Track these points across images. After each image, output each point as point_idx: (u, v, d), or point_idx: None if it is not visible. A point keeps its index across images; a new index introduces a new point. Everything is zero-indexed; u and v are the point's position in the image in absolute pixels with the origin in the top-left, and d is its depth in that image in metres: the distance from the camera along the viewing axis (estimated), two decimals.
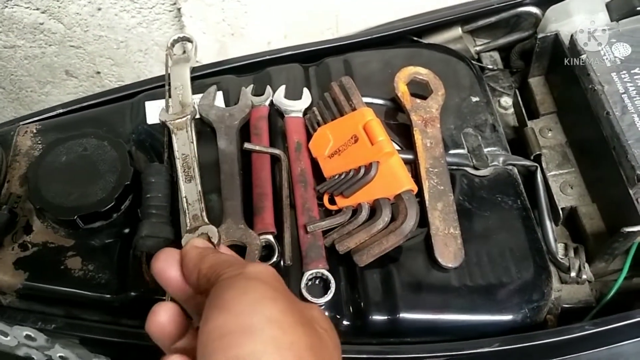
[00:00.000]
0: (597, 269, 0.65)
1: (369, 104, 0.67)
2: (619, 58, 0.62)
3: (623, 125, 0.57)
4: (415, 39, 0.80)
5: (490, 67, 0.80)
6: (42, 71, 1.30)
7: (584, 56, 0.63)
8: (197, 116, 0.66)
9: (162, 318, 0.41)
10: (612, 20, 0.67)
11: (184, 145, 0.57)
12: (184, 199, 0.53)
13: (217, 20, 1.17)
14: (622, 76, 0.60)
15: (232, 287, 0.36)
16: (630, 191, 0.57)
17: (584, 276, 0.62)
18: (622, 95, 0.59)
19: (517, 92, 0.74)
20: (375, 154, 0.58)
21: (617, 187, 0.58)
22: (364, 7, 1.03)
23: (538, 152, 0.66)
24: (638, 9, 0.66)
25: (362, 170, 0.58)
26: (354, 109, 0.62)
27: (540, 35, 0.69)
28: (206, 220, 0.51)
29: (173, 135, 0.58)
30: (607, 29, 0.64)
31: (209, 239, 0.48)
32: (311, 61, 0.75)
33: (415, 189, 0.59)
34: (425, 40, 0.81)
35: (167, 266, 0.42)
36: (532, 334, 0.56)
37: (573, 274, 0.62)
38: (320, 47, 0.76)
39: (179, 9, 1.15)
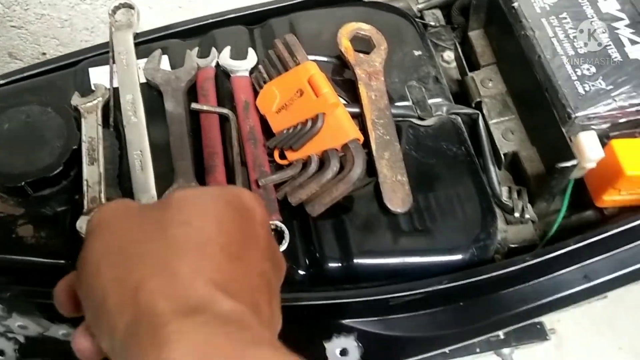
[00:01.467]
0: (540, 209, 0.68)
1: (314, 62, 0.68)
2: (548, 4, 0.64)
3: (554, 67, 0.60)
4: None
5: (432, 24, 0.82)
6: None
7: (516, 3, 0.65)
8: (143, 80, 0.66)
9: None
10: None
11: (92, 128, 0.59)
12: (85, 182, 0.54)
13: None
14: (551, 21, 0.63)
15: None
16: (563, 129, 0.60)
17: (527, 216, 0.65)
18: (552, 39, 0.62)
19: (458, 46, 0.76)
20: (321, 105, 0.59)
21: (552, 128, 0.61)
22: None
23: (478, 100, 0.68)
24: None
25: (309, 123, 0.60)
26: (298, 65, 0.63)
27: None
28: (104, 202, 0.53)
29: (83, 119, 0.60)
30: None
31: None
32: (256, 24, 0.76)
33: (361, 138, 0.60)
34: None
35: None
36: (478, 269, 0.59)
37: (517, 214, 0.65)
38: (264, 9, 0.76)
39: None
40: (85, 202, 0.54)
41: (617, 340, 1.38)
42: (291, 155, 0.61)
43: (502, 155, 0.67)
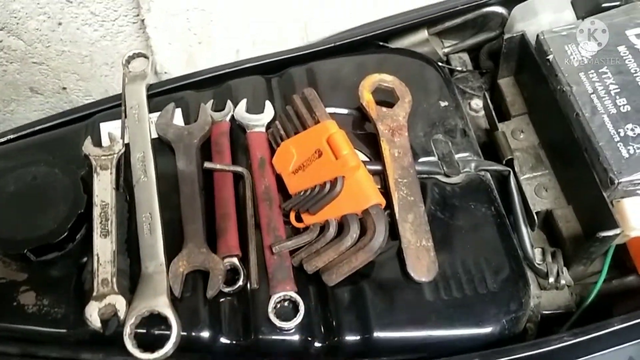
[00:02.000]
0: (576, 272, 0.63)
1: (334, 114, 0.65)
2: (586, 57, 0.60)
3: (593, 126, 0.56)
4: (381, 44, 0.78)
5: (459, 68, 0.78)
6: (5, 89, 1.26)
7: (550, 56, 0.61)
8: (155, 136, 0.63)
9: None
10: (577, 18, 0.66)
11: (105, 190, 0.55)
12: (96, 256, 0.51)
13: (183, 30, 1.13)
14: (590, 76, 0.59)
15: None
16: (604, 194, 0.55)
17: (563, 281, 0.60)
18: (591, 96, 0.57)
19: (487, 94, 0.72)
20: (340, 168, 0.55)
21: (591, 190, 0.57)
22: (333, 14, 1.01)
23: (510, 157, 0.64)
24: (603, 5, 0.64)
25: (328, 186, 0.56)
26: (317, 122, 0.60)
27: (506, 36, 0.67)
28: (115, 288, 0.50)
29: (95, 175, 0.56)
30: (573, 28, 0.62)
31: (115, 312, 0.47)
32: (275, 72, 0.73)
33: (383, 202, 0.56)
34: (392, 45, 0.78)
35: None
36: (510, 347, 0.54)
37: (551, 279, 0.60)
38: (284, 57, 0.73)
39: (142, 20, 1.12)
40: (95, 284, 0.50)
41: None
42: (308, 219, 0.57)
43: (535, 215, 0.62)
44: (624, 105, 0.56)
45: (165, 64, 1.22)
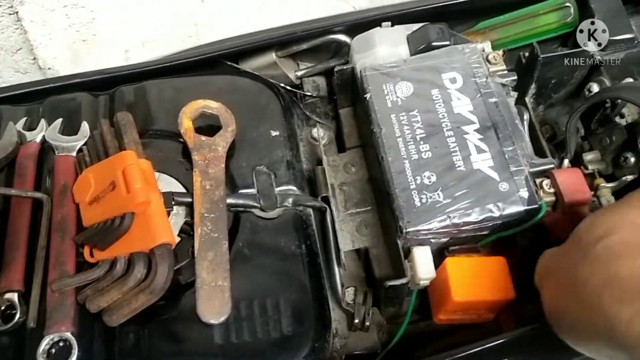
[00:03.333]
0: (389, 312, 0.63)
1: (160, 140, 0.63)
2: (400, 98, 0.59)
3: (394, 172, 0.55)
4: (229, 63, 0.75)
5: (308, 93, 0.77)
6: None
7: (368, 95, 0.60)
8: None
9: None
10: (411, 54, 0.65)
11: None
12: None
13: (64, 26, 1.09)
14: (401, 118, 0.58)
15: None
16: (398, 241, 0.54)
17: (367, 323, 0.60)
18: (398, 139, 0.57)
19: (330, 122, 0.71)
20: (130, 202, 0.53)
21: (392, 235, 0.56)
22: (223, 16, 0.99)
23: (324, 194, 0.63)
24: (434, 44, 0.63)
25: (117, 221, 0.54)
26: (122, 149, 0.57)
27: (337, 68, 0.66)
28: None
29: None
30: (394, 67, 0.61)
31: None
32: (108, 89, 0.69)
33: (174, 241, 0.55)
34: (242, 66, 0.76)
35: None
36: None
37: (357, 320, 0.60)
38: (118, 74, 0.70)
39: (17, 12, 1.06)
40: None
41: None
42: (98, 255, 0.55)
43: (342, 254, 0.61)
44: (426, 151, 0.56)
45: (48, 60, 1.17)
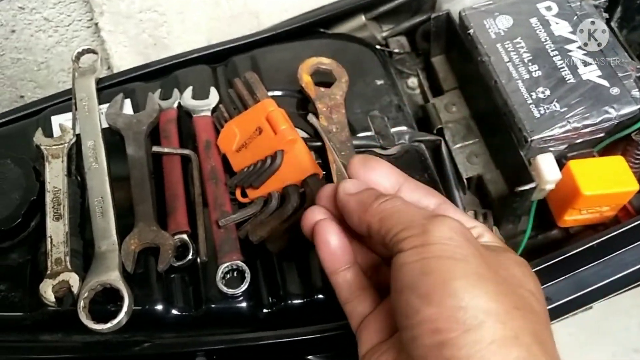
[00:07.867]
0: (507, 231, 0.68)
1: (277, 98, 0.68)
2: (502, 29, 0.65)
3: (509, 91, 0.61)
4: (321, 30, 0.82)
5: (396, 51, 0.83)
6: None
7: (471, 31, 0.66)
8: (105, 125, 0.66)
9: (333, 243, 0.43)
10: None
11: (57, 177, 0.58)
12: (49, 239, 0.54)
13: (137, 32, 1.16)
14: (506, 46, 0.64)
15: (425, 272, 0.33)
16: (521, 152, 0.60)
17: None
18: (507, 64, 0.62)
19: (419, 72, 0.77)
20: (279, 142, 0.59)
21: (512, 151, 0.62)
22: (283, 7, 1.05)
23: (440, 126, 0.69)
24: None
25: (269, 160, 0.60)
26: (257, 102, 0.64)
27: (433, 15, 0.72)
28: (69, 266, 0.52)
29: (47, 164, 0.59)
30: (490, 4, 0.67)
31: (69, 288, 0.50)
32: (220, 62, 0.76)
33: (320, 173, 0.60)
34: (332, 31, 0.83)
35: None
36: None
37: None
38: (228, 47, 0.77)
39: (96, 24, 1.14)
40: (49, 264, 0.53)
41: None
42: (252, 193, 0.61)
43: (465, 179, 0.66)
44: (535, 70, 0.61)
45: (122, 67, 1.24)
